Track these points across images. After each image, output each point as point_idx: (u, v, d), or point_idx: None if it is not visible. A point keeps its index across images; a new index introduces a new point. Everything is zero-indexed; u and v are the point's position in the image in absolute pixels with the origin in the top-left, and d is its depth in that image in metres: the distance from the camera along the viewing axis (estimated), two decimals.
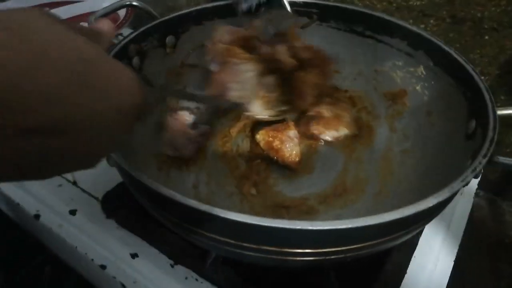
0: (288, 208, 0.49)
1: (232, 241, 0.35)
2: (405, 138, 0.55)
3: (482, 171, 0.38)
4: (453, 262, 0.49)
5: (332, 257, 0.35)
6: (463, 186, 0.36)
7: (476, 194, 0.68)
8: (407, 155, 0.54)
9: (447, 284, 0.47)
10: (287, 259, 0.35)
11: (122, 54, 0.50)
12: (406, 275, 0.46)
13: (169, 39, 0.57)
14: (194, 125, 0.53)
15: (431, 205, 0.31)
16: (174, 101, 0.55)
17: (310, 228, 0.30)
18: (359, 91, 0.62)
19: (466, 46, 0.66)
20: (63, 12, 0.82)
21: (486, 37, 0.64)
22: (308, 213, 0.48)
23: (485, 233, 0.67)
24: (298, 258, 0.34)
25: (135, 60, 0.53)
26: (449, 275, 0.47)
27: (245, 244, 0.34)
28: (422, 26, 0.68)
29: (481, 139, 0.39)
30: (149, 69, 0.55)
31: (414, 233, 0.37)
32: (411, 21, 0.69)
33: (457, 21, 0.65)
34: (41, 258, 0.60)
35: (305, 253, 0.33)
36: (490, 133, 0.38)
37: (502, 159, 0.37)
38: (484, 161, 0.35)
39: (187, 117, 0.53)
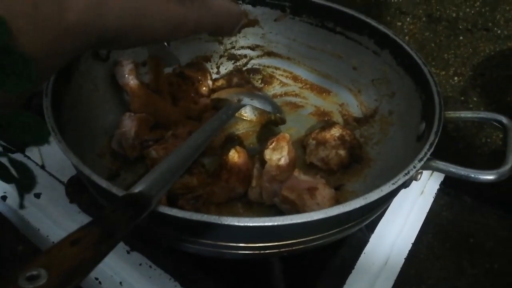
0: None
1: (172, 233, 0.36)
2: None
3: (421, 173, 0.39)
4: (403, 260, 0.50)
5: (266, 251, 0.36)
6: (399, 188, 0.37)
7: (447, 193, 0.69)
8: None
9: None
10: (223, 251, 0.36)
11: None
12: (353, 271, 0.47)
13: None
14: None
15: (351, 208, 0.32)
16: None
17: (236, 224, 0.31)
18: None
19: (440, 45, 0.66)
20: None
21: (461, 38, 0.64)
22: None
23: (451, 232, 0.69)
24: (232, 251, 0.35)
25: None
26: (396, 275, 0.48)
27: (183, 237, 0.36)
28: (399, 24, 0.68)
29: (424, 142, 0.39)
30: None
31: (345, 234, 0.38)
32: (388, 18, 0.68)
33: (433, 20, 0.65)
34: None
35: (237, 247, 0.35)
36: (431, 137, 0.38)
37: (440, 164, 0.37)
38: (419, 164, 0.36)
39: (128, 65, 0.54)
